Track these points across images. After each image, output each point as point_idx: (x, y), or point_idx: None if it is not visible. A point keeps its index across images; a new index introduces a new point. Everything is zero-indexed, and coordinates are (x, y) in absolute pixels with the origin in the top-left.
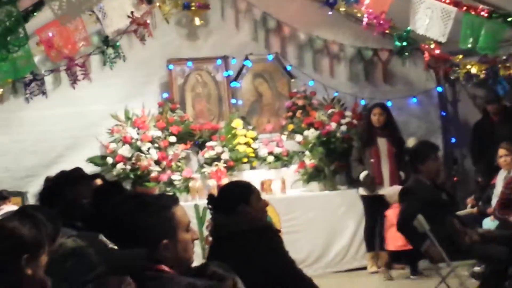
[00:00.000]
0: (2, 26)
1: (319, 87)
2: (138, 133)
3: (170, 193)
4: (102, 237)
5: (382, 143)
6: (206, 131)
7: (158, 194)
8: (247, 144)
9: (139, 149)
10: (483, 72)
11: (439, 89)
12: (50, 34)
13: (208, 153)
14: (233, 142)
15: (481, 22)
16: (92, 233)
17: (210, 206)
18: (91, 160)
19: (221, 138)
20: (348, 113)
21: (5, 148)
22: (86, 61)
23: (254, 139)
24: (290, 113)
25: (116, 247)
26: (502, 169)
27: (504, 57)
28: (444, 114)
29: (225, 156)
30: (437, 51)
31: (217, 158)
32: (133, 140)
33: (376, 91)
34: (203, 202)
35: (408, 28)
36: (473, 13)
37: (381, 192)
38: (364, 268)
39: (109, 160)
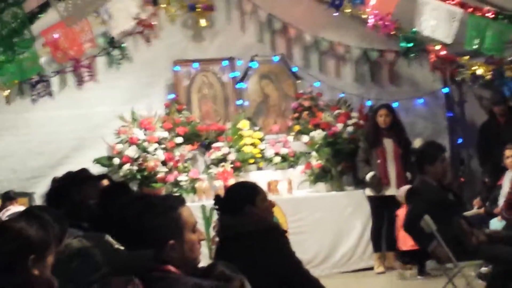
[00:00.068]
0: (8, 28)
1: (325, 88)
2: (144, 134)
3: (177, 194)
4: (108, 238)
5: (388, 144)
6: (213, 132)
7: (164, 195)
8: (254, 145)
9: (145, 150)
10: (489, 73)
11: (446, 90)
12: (56, 36)
13: (215, 154)
14: (239, 143)
15: (486, 24)
16: (98, 233)
17: (216, 207)
18: (98, 161)
19: (228, 139)
20: (354, 114)
21: (12, 149)
22: (92, 63)
23: (261, 140)
24: (296, 114)
25: (122, 248)
26: (508, 169)
27: (510, 58)
28: (450, 115)
29: (232, 157)
30: (443, 52)
31: (224, 159)
32: (140, 141)
33: (382, 92)
34: (209, 202)
35: (414, 29)
36: (478, 14)
37: (388, 192)
38: (371, 268)
39: (116, 161)
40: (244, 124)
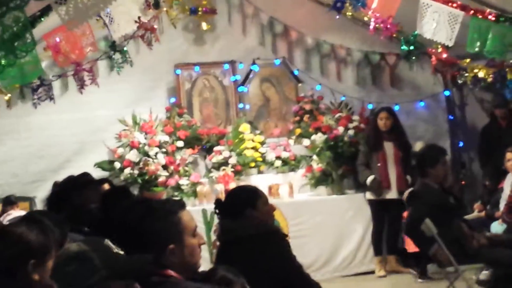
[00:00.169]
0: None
1: (326, 91)
2: (145, 138)
3: (177, 198)
4: (107, 242)
5: (389, 147)
6: (214, 136)
7: (164, 199)
8: (255, 148)
9: (146, 154)
10: (491, 76)
11: (447, 93)
12: (58, 39)
13: (216, 158)
14: (240, 147)
15: (488, 26)
16: (97, 238)
17: (217, 211)
18: (99, 165)
19: (229, 143)
20: (355, 117)
21: (13, 153)
22: (93, 66)
23: (262, 143)
24: (297, 118)
25: (121, 252)
26: (510, 172)
27: None
28: (451, 118)
29: (233, 160)
30: (445, 55)
31: (225, 162)
32: (141, 145)
33: (383, 95)
34: (210, 206)
35: (415, 32)
36: (480, 17)
37: (388, 196)
38: (372, 272)
39: (117, 165)
40: (245, 128)
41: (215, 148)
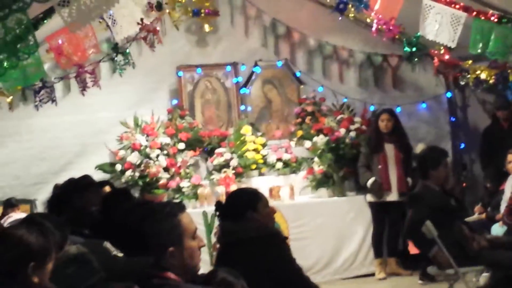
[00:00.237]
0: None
1: (328, 93)
2: (147, 140)
3: (177, 200)
4: (107, 244)
5: (390, 149)
6: (215, 138)
7: (164, 202)
8: (256, 150)
9: (148, 156)
10: (493, 77)
11: (449, 94)
12: (60, 42)
13: (217, 160)
14: (242, 149)
15: (490, 27)
16: (97, 240)
17: (217, 213)
18: (100, 167)
19: (230, 145)
20: (357, 119)
21: (15, 155)
22: (95, 68)
23: (263, 145)
24: (299, 120)
25: (120, 254)
26: (511, 174)
27: None
28: (453, 119)
29: (234, 162)
30: (447, 57)
31: (226, 164)
32: (142, 147)
33: (385, 96)
34: (211, 209)
35: (418, 33)
36: (482, 18)
37: (389, 198)
38: (373, 274)
39: (118, 167)
40: (246, 130)
41: (217, 150)
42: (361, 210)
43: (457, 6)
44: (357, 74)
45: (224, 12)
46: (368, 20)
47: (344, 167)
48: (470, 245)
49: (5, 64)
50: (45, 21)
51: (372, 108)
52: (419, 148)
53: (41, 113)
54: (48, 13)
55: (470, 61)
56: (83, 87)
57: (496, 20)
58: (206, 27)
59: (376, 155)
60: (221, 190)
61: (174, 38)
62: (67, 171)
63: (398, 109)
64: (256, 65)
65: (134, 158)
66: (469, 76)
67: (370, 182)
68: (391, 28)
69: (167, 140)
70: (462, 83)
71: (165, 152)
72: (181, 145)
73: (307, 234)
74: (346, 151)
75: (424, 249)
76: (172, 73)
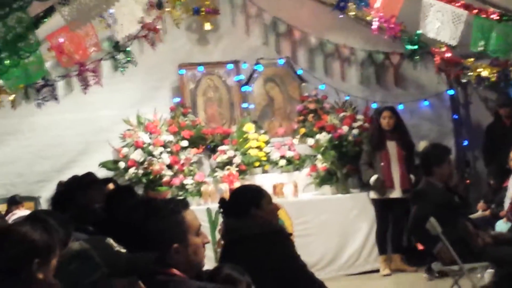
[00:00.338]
0: (13, 32)
1: (330, 90)
2: (150, 138)
3: (181, 197)
4: (109, 240)
5: (392, 146)
6: (218, 135)
7: (168, 199)
8: (259, 148)
9: (151, 154)
10: (495, 75)
11: (451, 92)
12: (61, 40)
13: (220, 157)
14: (245, 146)
15: (491, 25)
16: (100, 236)
17: (221, 210)
18: (104, 165)
19: (233, 142)
20: (359, 116)
21: (18, 153)
22: (97, 67)
23: (266, 143)
24: (301, 117)
25: (123, 250)
26: None
27: None
28: (456, 117)
29: (237, 160)
30: (448, 54)
31: (229, 162)
32: (145, 145)
33: (387, 94)
34: (215, 206)
35: (419, 31)
36: (483, 16)
37: (392, 195)
38: (377, 271)
39: (122, 164)
40: (249, 127)
41: (220, 148)
42: (364, 207)
43: (458, 4)
44: (358, 72)
45: (225, 11)
46: (369, 18)
47: (347, 164)
48: (475, 241)
49: (7, 62)
50: (45, 20)
51: (374, 105)
52: (421, 145)
53: (43, 111)
54: (49, 12)
55: (471, 59)
56: (85, 85)
57: (497, 18)
58: (207, 26)
59: (378, 152)
60: (224, 187)
61: (175, 36)
62: (70, 169)
63: (400, 107)
64: (257, 63)
65: (137, 155)
66: (471, 73)
67: (372, 179)
68: (392, 26)
69: (170, 137)
70: (464, 80)
71: (168, 149)
72: (184, 143)
73: (311, 231)
74: (349, 149)
75: (428, 245)
76: (173, 71)
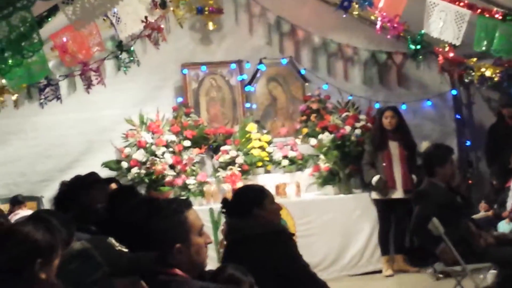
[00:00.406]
0: (17, 31)
1: (333, 90)
2: (152, 138)
3: (184, 197)
4: (111, 240)
5: (394, 146)
6: (221, 135)
7: (171, 199)
8: (262, 148)
9: (153, 154)
10: (498, 74)
11: (454, 92)
12: (64, 39)
13: (223, 157)
14: (247, 146)
15: (495, 25)
16: (101, 236)
17: (224, 210)
18: (106, 165)
19: (236, 142)
20: (362, 116)
21: (20, 153)
22: (100, 66)
23: (269, 143)
24: (304, 117)
25: (125, 249)
26: None
27: None
28: (458, 117)
29: (240, 160)
30: (451, 54)
31: (232, 162)
32: (148, 145)
33: (390, 94)
34: (218, 206)
35: (422, 31)
36: (487, 15)
37: (394, 195)
38: (380, 271)
39: (124, 164)
40: (252, 127)
41: (222, 148)
42: (367, 207)
43: (461, 4)
44: (361, 72)
45: (228, 10)
46: (373, 18)
47: (350, 165)
48: (477, 242)
49: (10, 62)
50: (49, 19)
51: (377, 105)
52: (424, 146)
53: (46, 111)
54: (52, 11)
55: (475, 59)
56: (88, 85)
57: (500, 17)
58: (210, 25)
59: (380, 152)
60: (227, 187)
61: (178, 36)
62: (73, 168)
63: (403, 107)
64: (260, 62)
65: (140, 155)
66: (474, 73)
67: (374, 179)
68: (395, 25)
69: (172, 137)
70: (467, 80)
71: (170, 149)
72: (187, 143)
73: (314, 231)
74: (351, 149)
75: (431, 246)
76: (176, 71)
